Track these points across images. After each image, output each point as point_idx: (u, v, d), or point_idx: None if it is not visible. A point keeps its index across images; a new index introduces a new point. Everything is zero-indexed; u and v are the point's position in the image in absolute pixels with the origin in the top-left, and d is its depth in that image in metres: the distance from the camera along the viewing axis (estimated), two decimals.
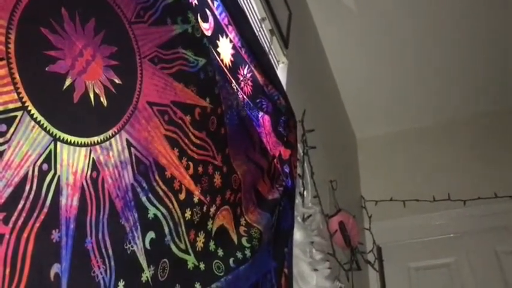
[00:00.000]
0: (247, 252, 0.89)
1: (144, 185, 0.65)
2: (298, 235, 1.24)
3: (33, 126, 0.49)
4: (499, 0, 2.29)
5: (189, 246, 0.73)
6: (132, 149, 0.63)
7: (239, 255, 0.87)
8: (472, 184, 2.50)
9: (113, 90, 0.61)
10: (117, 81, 0.62)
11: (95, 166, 0.56)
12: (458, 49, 2.56)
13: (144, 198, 0.64)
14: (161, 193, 0.68)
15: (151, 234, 0.64)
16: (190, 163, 0.77)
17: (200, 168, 0.80)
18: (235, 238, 0.89)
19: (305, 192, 1.46)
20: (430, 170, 2.72)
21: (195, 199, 0.77)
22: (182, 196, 0.73)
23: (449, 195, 2.46)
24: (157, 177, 0.68)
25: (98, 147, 0.57)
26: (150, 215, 0.65)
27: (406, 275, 2.41)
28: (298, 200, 1.31)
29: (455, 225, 2.47)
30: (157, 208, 0.66)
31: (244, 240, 0.90)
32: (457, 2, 2.33)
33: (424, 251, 2.45)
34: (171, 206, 0.70)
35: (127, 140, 0.62)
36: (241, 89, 1.01)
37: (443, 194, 2.47)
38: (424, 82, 2.77)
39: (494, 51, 2.56)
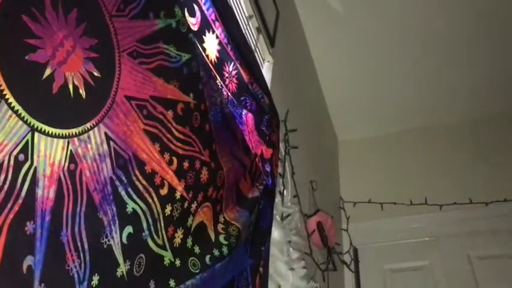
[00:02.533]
0: (225, 250, 0.89)
1: (124, 178, 0.64)
2: (276, 234, 1.24)
3: (10, 116, 0.48)
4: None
5: (166, 242, 0.73)
6: (111, 143, 0.63)
7: (216, 252, 0.87)
8: (449, 189, 2.55)
9: (92, 83, 0.60)
10: (96, 74, 0.61)
11: (72, 158, 0.55)
12: (442, 54, 2.59)
13: (123, 193, 0.64)
14: (141, 188, 0.67)
15: (128, 229, 0.64)
16: (173, 158, 0.76)
17: (186, 164, 0.80)
18: (212, 235, 0.89)
19: (285, 192, 1.46)
20: (408, 174, 2.76)
21: (177, 195, 0.77)
22: (164, 191, 0.73)
23: (426, 199, 2.51)
24: (137, 172, 0.67)
25: (76, 139, 0.56)
26: (129, 209, 0.65)
27: (380, 277, 2.45)
28: (277, 199, 1.31)
29: (431, 229, 2.51)
30: (136, 203, 0.66)
31: (221, 238, 0.90)
32: (443, 3, 2.36)
33: (400, 253, 2.49)
34: (150, 201, 0.69)
35: (105, 134, 0.62)
36: (226, 86, 1.01)
37: (420, 198, 2.52)
38: (406, 87, 2.81)
39: (481, 58, 2.61)
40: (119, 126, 0.64)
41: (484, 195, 2.43)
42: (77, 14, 0.59)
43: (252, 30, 1.66)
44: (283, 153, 1.54)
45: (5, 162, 0.46)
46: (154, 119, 0.73)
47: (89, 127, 0.59)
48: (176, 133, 0.78)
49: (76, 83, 0.57)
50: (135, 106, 0.69)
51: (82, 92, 0.58)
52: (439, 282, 2.33)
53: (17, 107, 0.48)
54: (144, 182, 0.68)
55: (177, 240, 0.77)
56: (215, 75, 0.96)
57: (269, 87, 1.21)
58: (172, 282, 0.73)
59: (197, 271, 0.80)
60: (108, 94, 0.64)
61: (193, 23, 0.90)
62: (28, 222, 0.48)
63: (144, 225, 0.68)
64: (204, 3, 0.96)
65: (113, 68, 0.65)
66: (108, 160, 0.61)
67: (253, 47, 1.61)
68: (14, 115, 0.48)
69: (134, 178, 0.66)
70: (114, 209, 0.61)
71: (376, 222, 2.59)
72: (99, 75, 0.62)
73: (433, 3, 2.35)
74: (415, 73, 2.72)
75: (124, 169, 0.64)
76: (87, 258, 0.55)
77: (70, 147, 0.55)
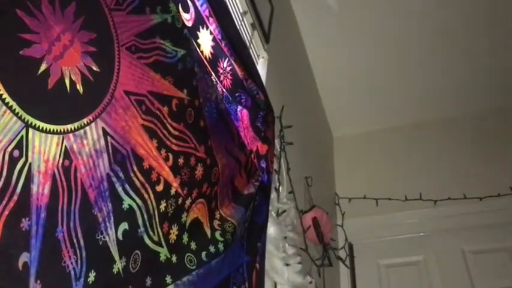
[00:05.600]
0: (220, 246, 0.89)
1: (121, 175, 0.64)
2: (272, 230, 1.24)
3: (5, 111, 0.47)
4: None
5: (162, 239, 0.73)
6: (109, 138, 0.62)
7: (212, 249, 0.87)
8: (443, 185, 2.57)
9: (90, 77, 0.60)
10: (94, 68, 0.61)
11: (67, 154, 0.55)
12: (439, 49, 2.60)
13: (120, 189, 0.63)
14: (138, 184, 0.67)
15: (124, 225, 0.64)
16: (169, 154, 0.76)
17: (181, 160, 0.80)
18: (208, 232, 0.89)
19: (280, 188, 1.47)
20: (403, 170, 2.78)
21: (172, 191, 0.77)
22: (160, 188, 0.73)
23: (420, 195, 2.52)
24: (134, 168, 0.67)
25: (71, 135, 0.56)
26: (125, 206, 0.64)
27: (375, 272, 2.46)
28: (273, 195, 1.31)
29: (426, 224, 2.52)
30: (132, 199, 0.66)
31: (217, 234, 0.90)
32: None
33: (394, 248, 2.50)
34: (146, 197, 0.69)
35: (103, 129, 0.61)
36: (221, 82, 1.01)
37: (415, 194, 2.53)
38: (401, 83, 2.82)
39: (478, 54, 2.62)
40: (117, 122, 0.64)
41: (478, 190, 2.45)
42: (75, 7, 0.58)
43: (247, 26, 1.65)
44: (279, 149, 1.54)
45: (0, 159, 0.46)
46: (152, 114, 0.73)
47: (86, 123, 0.58)
48: (171, 129, 0.78)
49: (73, 78, 0.57)
50: (134, 101, 0.68)
51: (79, 87, 0.58)
52: (434, 277, 2.35)
53: (11, 102, 0.48)
54: (141, 178, 0.68)
55: (173, 237, 0.77)
56: (210, 71, 0.96)
57: (264, 83, 1.21)
58: (168, 279, 0.73)
59: (193, 267, 0.80)
60: (107, 89, 0.63)
61: (187, 18, 0.89)
62: (23, 219, 0.48)
63: (140, 221, 0.67)
64: None
65: (113, 62, 0.65)
66: (105, 156, 0.61)
67: (247, 43, 1.60)
68: (8, 111, 0.48)
69: (132, 174, 0.66)
70: (110, 205, 0.61)
71: (371, 218, 2.59)
72: (98, 70, 0.61)
73: None
74: (410, 69, 2.73)
75: (122, 165, 0.64)
76: (84, 254, 0.55)
77: (65, 143, 0.55)
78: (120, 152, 0.64)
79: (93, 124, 0.60)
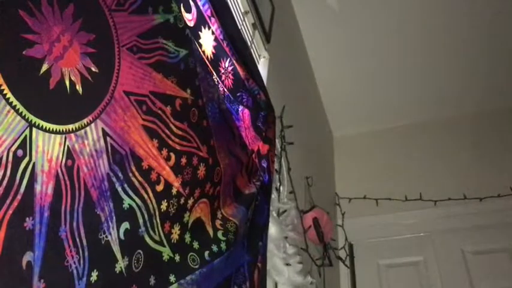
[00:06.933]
0: (223, 246, 0.89)
1: (120, 175, 0.64)
2: (273, 230, 1.25)
3: (9, 111, 0.47)
4: None
5: (163, 238, 0.73)
6: (108, 139, 0.62)
7: (214, 248, 0.87)
8: (443, 185, 2.57)
9: (89, 78, 0.60)
10: (93, 69, 0.61)
11: (69, 154, 0.55)
12: (439, 49, 2.60)
13: (119, 189, 0.64)
14: (137, 184, 0.67)
15: (125, 225, 0.64)
16: (171, 154, 0.76)
17: (183, 160, 0.80)
18: (210, 231, 0.89)
19: (281, 188, 1.47)
20: (403, 170, 2.77)
21: (174, 191, 0.77)
22: (160, 187, 0.73)
23: (420, 195, 2.52)
24: (133, 168, 0.67)
25: (72, 135, 0.56)
26: (125, 206, 0.64)
27: (375, 272, 2.46)
28: (274, 195, 1.31)
29: (425, 225, 2.52)
30: (132, 199, 0.66)
31: (219, 234, 0.90)
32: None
33: (394, 249, 2.50)
34: (146, 197, 0.69)
35: (103, 129, 0.61)
36: (222, 81, 1.01)
37: (415, 194, 2.53)
38: (401, 83, 2.82)
39: (478, 54, 2.62)
40: (117, 122, 0.64)
41: (478, 190, 2.45)
42: (74, 9, 0.58)
43: (248, 26, 1.66)
44: (279, 149, 1.54)
45: (4, 158, 0.46)
46: (153, 114, 0.73)
47: (86, 123, 0.59)
48: (174, 129, 0.78)
49: (73, 79, 0.57)
50: (134, 102, 0.68)
51: (79, 87, 0.58)
52: (433, 278, 2.35)
53: (15, 102, 0.48)
54: (140, 178, 0.68)
55: (175, 236, 0.77)
56: (211, 71, 0.96)
57: (265, 83, 1.21)
58: (172, 278, 0.73)
59: (196, 266, 0.80)
60: (107, 89, 0.63)
61: (189, 18, 0.90)
62: (27, 218, 0.48)
63: (141, 221, 0.68)
64: None
65: (112, 63, 0.65)
66: (105, 156, 0.61)
67: (249, 43, 1.60)
68: (12, 110, 0.48)
69: (130, 174, 0.66)
70: (111, 205, 0.61)
71: (371, 218, 2.60)
72: (96, 71, 0.61)
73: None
74: (411, 69, 2.73)
75: (120, 165, 0.64)
76: (86, 254, 0.55)
77: (67, 143, 0.55)
78: (118, 153, 0.64)
79: (93, 125, 0.60)
